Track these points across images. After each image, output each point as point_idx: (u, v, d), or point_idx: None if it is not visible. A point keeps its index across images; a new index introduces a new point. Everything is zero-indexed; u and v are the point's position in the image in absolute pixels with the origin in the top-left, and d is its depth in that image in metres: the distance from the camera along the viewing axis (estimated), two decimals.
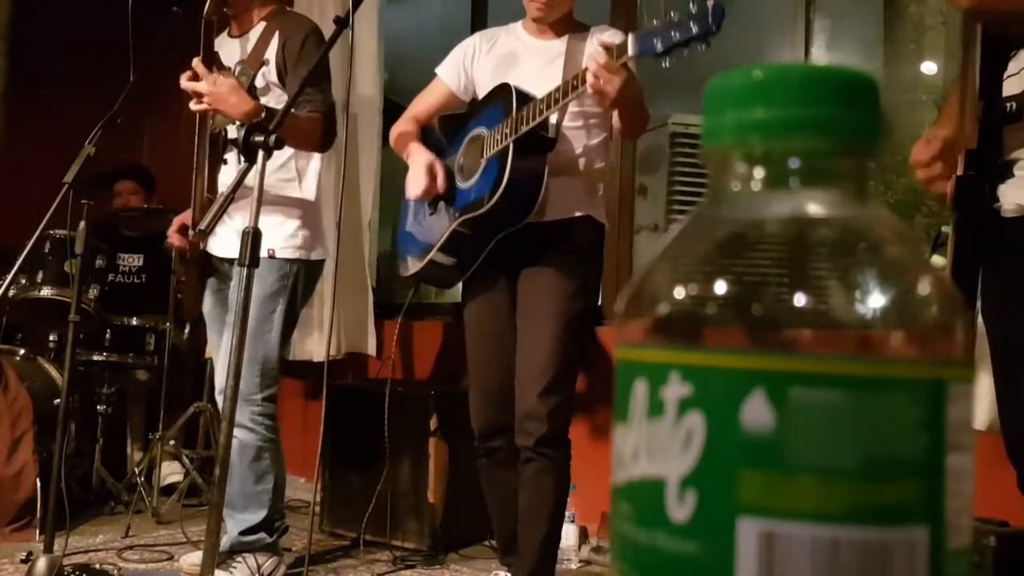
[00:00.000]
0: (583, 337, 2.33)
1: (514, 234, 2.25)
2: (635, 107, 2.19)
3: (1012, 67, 1.62)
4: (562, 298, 2.25)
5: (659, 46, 1.89)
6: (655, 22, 1.91)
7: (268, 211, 2.63)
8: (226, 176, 2.67)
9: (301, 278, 2.72)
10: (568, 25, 2.42)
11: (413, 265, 2.49)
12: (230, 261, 2.72)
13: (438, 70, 2.59)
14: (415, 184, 2.39)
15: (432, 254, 2.39)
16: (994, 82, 1.62)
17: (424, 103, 2.60)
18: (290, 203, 2.71)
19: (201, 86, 2.46)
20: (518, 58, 2.42)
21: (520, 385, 2.26)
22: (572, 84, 2.09)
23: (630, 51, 1.96)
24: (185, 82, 2.49)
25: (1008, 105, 1.61)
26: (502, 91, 2.33)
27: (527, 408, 2.23)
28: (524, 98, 2.23)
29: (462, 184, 2.38)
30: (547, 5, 2.35)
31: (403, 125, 2.57)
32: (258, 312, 2.60)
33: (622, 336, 0.36)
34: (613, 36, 2.26)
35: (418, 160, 2.42)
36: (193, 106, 2.51)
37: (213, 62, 2.63)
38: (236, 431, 2.52)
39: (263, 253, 2.60)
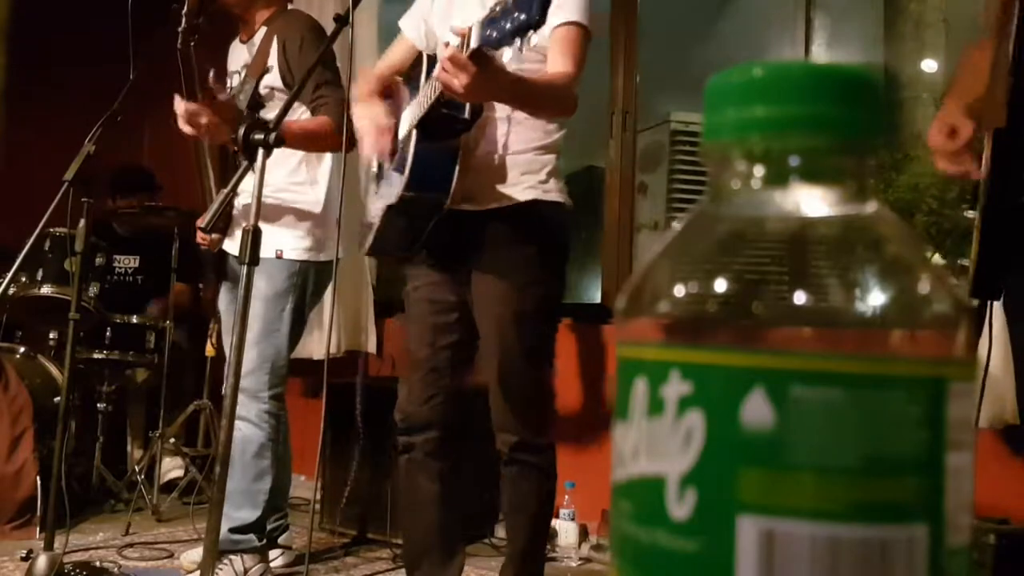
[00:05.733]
0: (540, 331, 2.10)
1: (452, 221, 2.02)
2: (509, 98, 1.91)
3: None
4: (508, 300, 2.04)
5: (495, 37, 1.63)
6: (497, 6, 1.64)
7: (280, 213, 2.68)
8: (251, 183, 2.68)
9: (311, 278, 2.75)
10: None
11: (365, 242, 2.23)
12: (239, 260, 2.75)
13: (400, 22, 2.31)
14: (362, 139, 2.15)
15: (374, 232, 2.14)
16: (1022, 57, 1.52)
17: (387, 59, 2.32)
18: (302, 206, 2.74)
19: (202, 120, 2.44)
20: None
21: (490, 395, 2.11)
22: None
23: (472, 42, 1.67)
24: (182, 123, 2.47)
25: None
26: (418, 62, 2.11)
27: (496, 418, 2.10)
28: (432, 70, 1.92)
29: (388, 167, 2.14)
30: None
31: (361, 84, 2.26)
32: (268, 311, 2.63)
33: (622, 334, 0.36)
34: None
35: (359, 112, 2.16)
36: (184, 128, 2.51)
37: (196, 78, 2.59)
38: (241, 425, 2.53)
39: (272, 254, 2.63)
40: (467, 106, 1.91)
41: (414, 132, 1.96)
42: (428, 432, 2.12)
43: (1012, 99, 1.49)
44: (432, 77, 1.86)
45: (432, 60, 1.99)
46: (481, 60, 1.67)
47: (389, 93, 2.25)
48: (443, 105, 1.86)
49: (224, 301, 2.90)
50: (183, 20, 2.40)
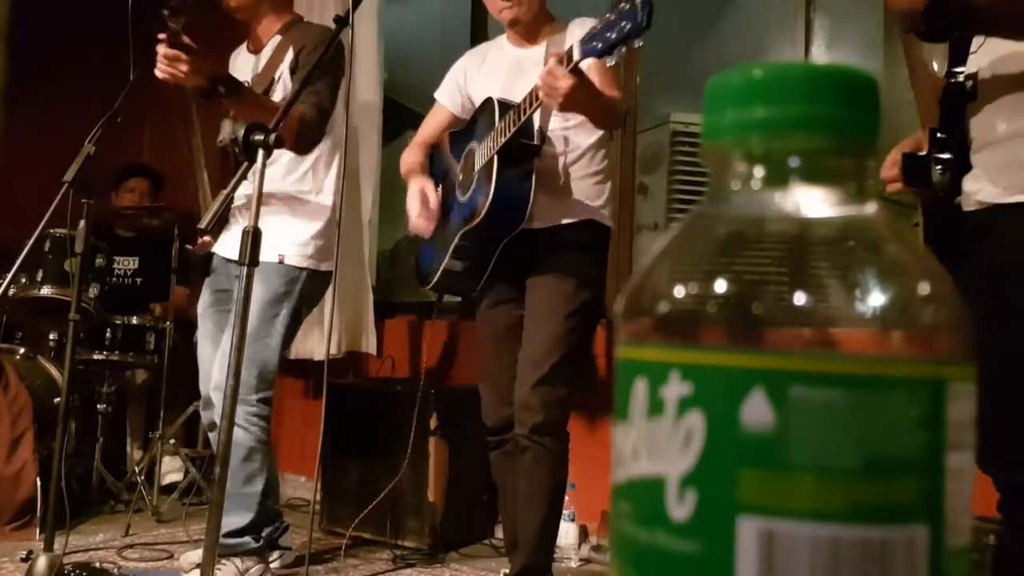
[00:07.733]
0: (583, 330, 2.38)
1: (518, 242, 2.32)
2: (591, 109, 2.23)
3: (974, 43, 1.55)
4: (560, 296, 2.32)
5: (599, 47, 1.96)
6: (597, 24, 1.97)
7: (284, 218, 2.68)
8: (247, 187, 2.67)
9: (308, 287, 2.73)
10: (543, 30, 2.47)
11: (431, 277, 2.55)
12: (238, 262, 2.73)
13: (436, 95, 2.68)
14: (411, 212, 2.54)
15: (444, 264, 2.47)
16: (960, 56, 1.56)
17: (428, 128, 2.70)
18: (307, 212, 2.74)
19: (181, 67, 2.39)
20: (503, 71, 2.49)
21: (518, 378, 2.32)
22: (535, 93, 2.15)
23: (575, 56, 2.02)
24: (161, 66, 2.43)
25: (966, 83, 1.55)
26: (487, 105, 2.43)
27: (522, 398, 2.29)
28: (505, 108, 2.30)
29: (461, 198, 2.47)
30: (512, 6, 2.40)
31: (409, 153, 2.67)
32: (261, 315, 2.61)
33: (622, 335, 0.36)
34: (579, 29, 2.25)
35: (410, 188, 2.57)
36: (159, 72, 2.45)
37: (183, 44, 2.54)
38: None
39: (274, 258, 2.62)
40: (535, 135, 2.33)
41: (495, 159, 2.28)
42: (513, 429, 2.37)
43: (945, 97, 1.56)
44: (506, 117, 2.26)
45: (503, 104, 2.33)
46: (578, 73, 2.04)
47: (435, 147, 2.68)
48: (519, 135, 2.25)
49: (204, 303, 2.85)
50: (168, 6, 2.38)
